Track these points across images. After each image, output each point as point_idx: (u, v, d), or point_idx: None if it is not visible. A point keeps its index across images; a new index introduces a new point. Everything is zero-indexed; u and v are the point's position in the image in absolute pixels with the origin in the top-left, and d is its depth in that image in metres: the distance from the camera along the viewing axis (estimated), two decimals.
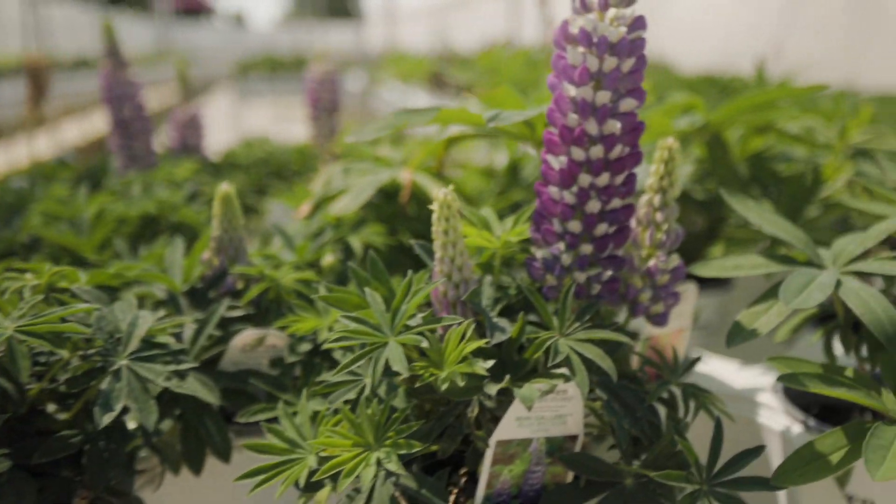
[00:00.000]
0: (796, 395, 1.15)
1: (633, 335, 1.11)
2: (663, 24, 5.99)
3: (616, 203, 0.90)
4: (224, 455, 1.00)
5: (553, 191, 0.90)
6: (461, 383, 0.79)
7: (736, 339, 0.92)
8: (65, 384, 0.86)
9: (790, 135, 1.55)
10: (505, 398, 0.84)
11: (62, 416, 0.91)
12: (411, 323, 0.85)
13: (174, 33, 17.89)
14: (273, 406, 0.97)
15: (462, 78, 3.91)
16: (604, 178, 0.87)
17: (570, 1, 0.86)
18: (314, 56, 2.26)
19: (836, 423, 1.11)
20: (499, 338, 0.84)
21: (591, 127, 0.86)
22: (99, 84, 1.93)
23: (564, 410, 0.87)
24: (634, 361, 1.04)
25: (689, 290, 1.15)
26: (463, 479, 0.90)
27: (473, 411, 0.86)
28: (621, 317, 1.03)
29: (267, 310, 1.11)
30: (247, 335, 1.05)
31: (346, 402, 0.85)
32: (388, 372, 0.80)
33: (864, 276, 0.97)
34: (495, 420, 0.85)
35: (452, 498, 0.87)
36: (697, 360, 0.97)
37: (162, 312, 1.01)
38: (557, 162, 0.89)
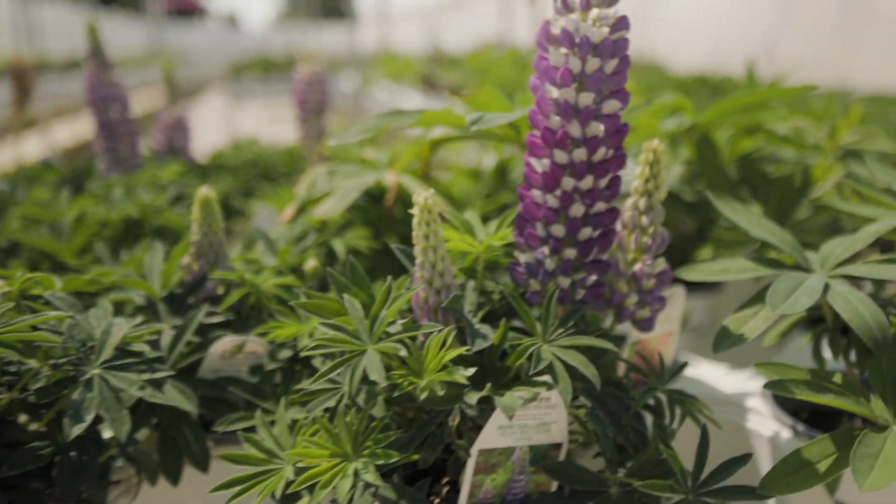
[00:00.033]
0: (786, 400, 1.13)
1: (621, 339, 1.10)
2: (656, 25, 5.98)
3: (600, 206, 0.88)
4: (202, 465, 0.98)
5: (536, 194, 0.88)
6: (440, 392, 0.77)
7: (723, 345, 0.90)
8: (35, 394, 0.84)
9: (779, 136, 1.54)
10: (487, 406, 0.83)
11: (33, 427, 0.89)
12: (391, 330, 0.83)
13: (167, 34, 17.81)
14: (252, 414, 0.95)
15: (451, 79, 3.89)
16: (587, 182, 0.86)
17: (552, 1, 0.85)
18: (301, 57, 2.24)
19: (826, 427, 1.10)
20: (480, 345, 0.82)
21: (574, 129, 0.84)
22: (83, 85, 1.91)
23: (548, 418, 0.85)
24: (621, 367, 1.03)
25: (676, 294, 1.13)
26: (445, 489, 0.89)
27: (455, 420, 0.84)
28: (608, 322, 1.01)
29: (247, 316, 1.09)
30: (226, 342, 1.03)
31: (326, 410, 0.84)
32: (368, 380, 0.78)
33: (853, 280, 0.96)
34: (477, 428, 0.83)
35: None
36: (684, 365, 0.95)
37: (139, 319, 0.99)
38: (540, 165, 0.88)
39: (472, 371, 0.79)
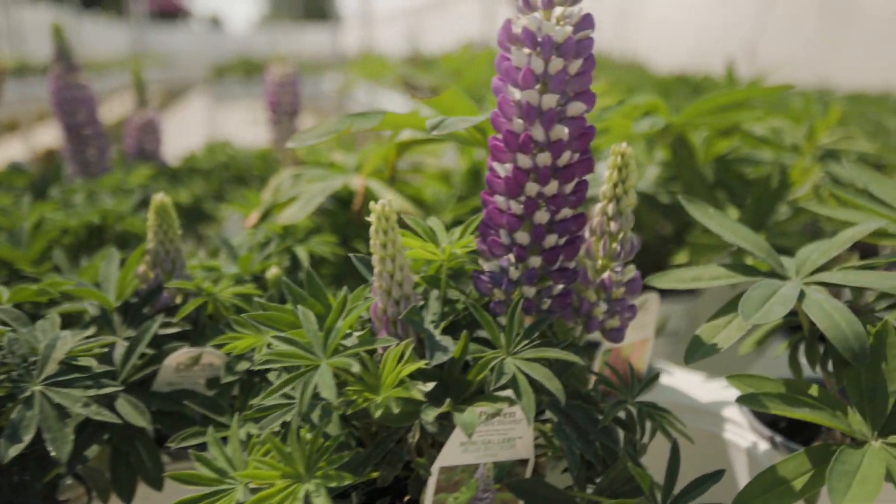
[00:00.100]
0: None
1: (594, 346, 1.06)
2: (637, 24, 5.96)
3: (566, 212, 0.84)
4: (156, 483, 0.94)
5: (499, 200, 0.85)
6: (396, 410, 0.74)
7: (695, 356, 0.87)
8: None
9: (756, 137, 1.51)
10: (448, 422, 0.79)
11: None
12: (347, 343, 0.79)
13: (149, 36, 17.74)
14: (206, 430, 0.91)
15: (429, 80, 3.85)
16: (552, 187, 0.82)
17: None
18: (275, 58, 2.20)
19: (805, 436, 1.07)
20: (440, 358, 0.78)
21: (538, 132, 0.80)
22: (48, 88, 1.86)
23: (513, 434, 0.81)
24: (594, 377, 0.99)
25: (650, 301, 1.10)
26: None
27: (415, 436, 0.81)
28: (577, 331, 0.98)
29: (204, 326, 1.05)
30: (181, 354, 0.98)
31: (283, 425, 0.80)
32: (321, 396, 0.74)
33: (830, 287, 0.92)
34: (438, 445, 0.80)
35: None
36: (655, 377, 0.92)
37: (91, 331, 0.95)
38: (503, 170, 0.84)
39: (430, 386, 0.76)
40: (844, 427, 0.76)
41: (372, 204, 0.79)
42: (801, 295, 0.85)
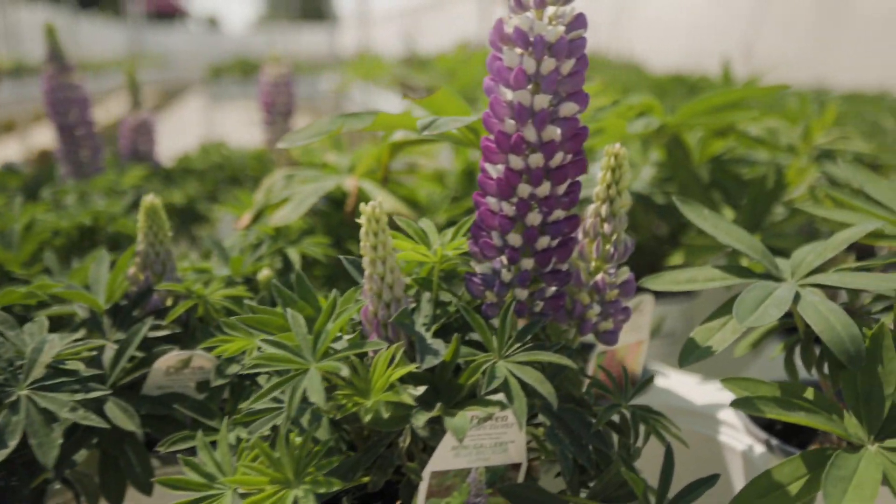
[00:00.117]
0: None
1: (589, 348, 1.06)
2: (633, 24, 5.95)
3: (559, 214, 0.83)
4: (145, 488, 0.93)
5: (491, 202, 0.84)
6: (386, 414, 0.73)
7: (689, 359, 0.86)
8: None
9: (752, 137, 1.50)
10: (439, 426, 0.78)
11: None
12: (337, 346, 0.78)
13: (147, 37, 17.73)
14: (196, 434, 0.90)
15: (425, 80, 3.84)
16: (544, 188, 0.81)
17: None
18: (269, 58, 2.19)
19: (801, 438, 1.06)
20: (430, 361, 0.77)
21: (530, 133, 0.79)
22: (41, 88, 1.85)
23: (505, 438, 0.80)
24: (587, 380, 0.98)
25: (645, 302, 1.09)
26: None
27: (405, 441, 0.80)
28: (570, 334, 0.97)
29: (194, 329, 1.04)
30: (171, 357, 0.97)
31: (273, 429, 0.79)
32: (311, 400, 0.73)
33: (826, 289, 0.91)
34: (429, 450, 0.79)
35: None
36: (650, 381, 0.91)
37: (80, 334, 0.94)
38: (495, 171, 0.83)
39: (421, 390, 0.75)
40: (840, 431, 0.76)
41: (362, 205, 0.78)
42: (797, 297, 0.84)
